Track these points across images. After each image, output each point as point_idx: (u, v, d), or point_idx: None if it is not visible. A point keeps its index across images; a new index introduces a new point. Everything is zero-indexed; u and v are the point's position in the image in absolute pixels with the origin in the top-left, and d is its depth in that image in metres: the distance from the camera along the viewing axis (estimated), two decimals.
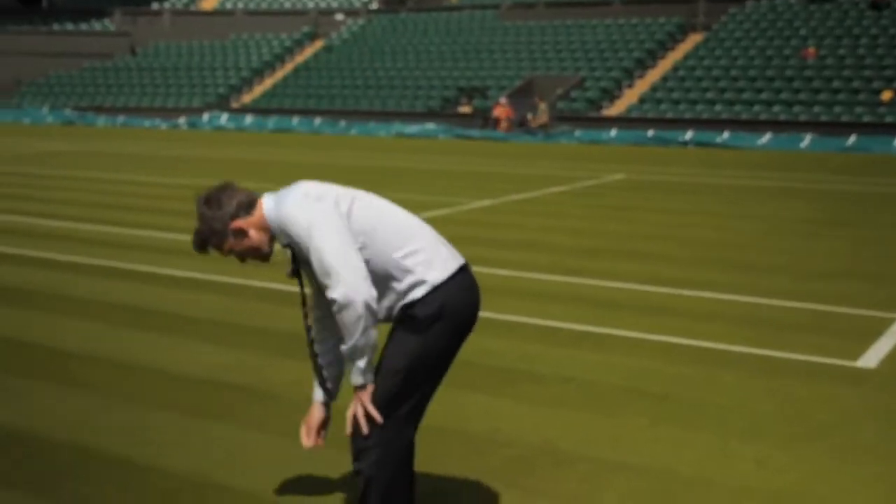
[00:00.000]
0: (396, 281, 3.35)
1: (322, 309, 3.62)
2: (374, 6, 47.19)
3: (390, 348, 3.41)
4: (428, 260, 3.38)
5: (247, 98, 40.46)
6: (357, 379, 3.33)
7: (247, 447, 4.75)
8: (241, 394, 5.52)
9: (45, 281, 8.67)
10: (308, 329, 3.60)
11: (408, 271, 3.34)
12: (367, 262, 3.28)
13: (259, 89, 41.07)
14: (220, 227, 3.37)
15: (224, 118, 36.70)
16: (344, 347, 3.27)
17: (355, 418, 3.37)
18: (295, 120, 35.12)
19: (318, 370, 3.60)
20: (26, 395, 5.54)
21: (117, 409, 5.29)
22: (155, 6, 49.32)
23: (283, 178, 17.61)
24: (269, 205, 3.39)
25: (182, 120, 37.39)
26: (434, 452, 4.67)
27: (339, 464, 4.43)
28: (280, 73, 42.14)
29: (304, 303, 3.55)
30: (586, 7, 39.85)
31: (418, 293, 3.36)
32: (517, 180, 17.89)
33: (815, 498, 4.18)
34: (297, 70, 41.07)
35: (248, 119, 36.24)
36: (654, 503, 4.12)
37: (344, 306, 3.17)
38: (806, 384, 5.80)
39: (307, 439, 3.62)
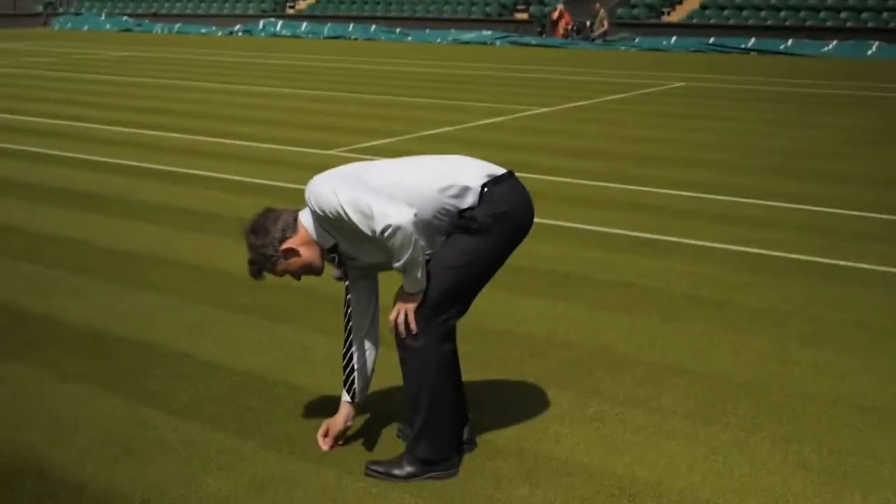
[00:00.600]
0: (443, 208, 3.39)
1: (361, 306, 3.67)
2: None
3: (444, 250, 3.45)
4: (468, 174, 3.43)
5: (302, 5, 40.16)
6: (412, 287, 3.40)
7: (311, 348, 4.87)
8: (304, 297, 5.62)
9: (115, 185, 8.83)
10: (348, 333, 3.69)
11: (451, 192, 3.38)
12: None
13: None
14: (271, 252, 3.46)
15: (279, 25, 36.51)
16: (398, 264, 3.32)
17: (397, 323, 3.46)
18: (350, 26, 34.87)
19: (349, 373, 3.71)
20: (98, 294, 5.70)
21: (185, 308, 5.44)
22: None
23: (339, 81, 17.55)
24: (306, 218, 3.47)
25: (238, 27, 37.29)
26: (491, 355, 4.75)
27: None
28: None
29: (347, 307, 3.66)
30: None
31: (470, 200, 3.39)
32: (574, 87, 17.67)
33: (876, 404, 4.19)
34: None
35: (304, 26, 36.04)
36: (710, 406, 4.16)
37: (393, 231, 3.21)
38: (873, 293, 5.76)
39: (324, 444, 3.73)
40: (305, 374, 4.51)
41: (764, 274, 6.14)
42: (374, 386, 3.88)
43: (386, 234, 3.23)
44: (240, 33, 36.79)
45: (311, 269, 3.52)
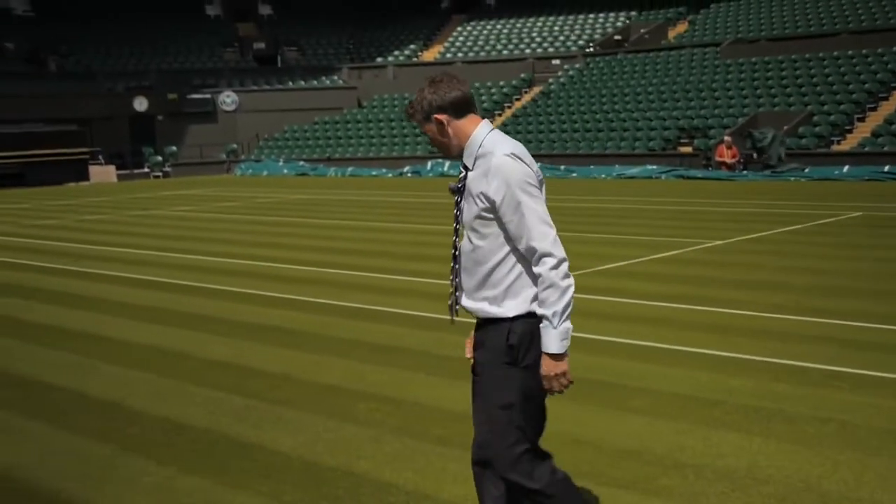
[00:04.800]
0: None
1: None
2: (591, 49, 47.50)
3: None
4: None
5: None
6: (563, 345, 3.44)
7: None
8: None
9: (307, 322, 9.31)
10: (455, 254, 3.71)
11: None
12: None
13: None
14: (426, 108, 3.56)
15: (446, 165, 37.77)
16: (552, 308, 3.40)
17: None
18: None
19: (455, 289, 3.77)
20: (304, 425, 6.01)
21: (385, 439, 5.67)
22: (379, 60, 51.56)
23: None
24: (483, 131, 3.56)
25: (407, 168, 38.78)
26: (692, 489, 4.75)
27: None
28: (499, 120, 43.01)
29: (456, 229, 3.74)
30: (812, 39, 38.59)
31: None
32: (747, 219, 17.54)
33: None
34: (515, 116, 41.81)
35: None
36: None
37: (560, 263, 3.39)
38: None
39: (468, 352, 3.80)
40: None
41: None
42: None
43: (551, 260, 3.39)
44: (409, 174, 38.21)
45: (445, 151, 3.64)
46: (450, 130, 3.56)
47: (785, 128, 32.25)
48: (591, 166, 34.21)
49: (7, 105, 39.44)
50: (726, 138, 31.15)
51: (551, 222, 3.47)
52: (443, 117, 3.55)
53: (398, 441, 5.64)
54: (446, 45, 52.31)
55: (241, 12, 55.73)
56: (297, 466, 5.26)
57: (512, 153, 3.46)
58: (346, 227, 18.63)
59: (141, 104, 45.29)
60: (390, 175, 38.34)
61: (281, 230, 18.34)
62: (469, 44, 51.87)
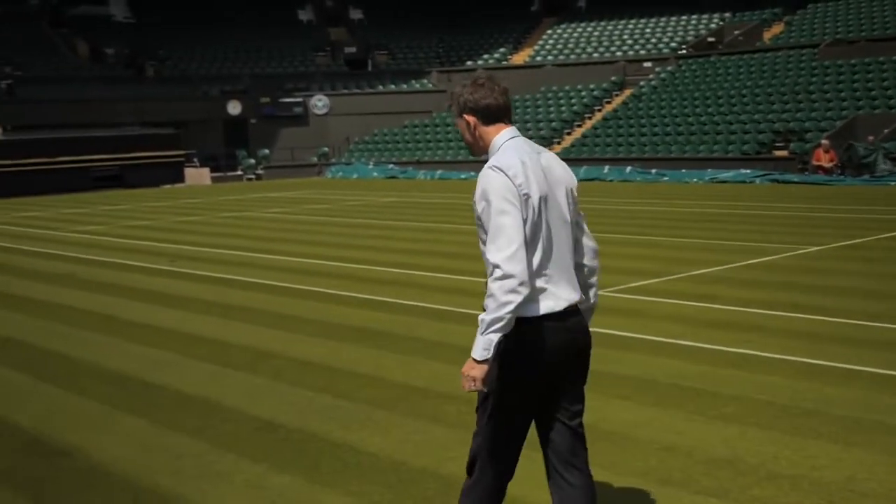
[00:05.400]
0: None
1: None
2: (684, 51, 46.84)
3: None
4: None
5: (557, 148, 41.34)
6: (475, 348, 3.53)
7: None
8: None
9: (396, 323, 9.37)
10: None
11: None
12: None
13: (569, 139, 41.81)
14: (461, 106, 3.74)
15: None
16: (485, 316, 3.50)
17: None
18: (605, 168, 35.45)
19: None
20: (393, 426, 6.05)
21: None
22: (469, 64, 51.66)
23: (597, 222, 17.80)
24: (501, 140, 3.69)
25: None
26: (787, 501, 4.64)
27: None
28: (589, 123, 42.72)
29: None
30: None
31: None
32: (844, 225, 17.09)
33: None
34: (605, 119, 41.47)
35: None
36: None
37: (506, 277, 3.41)
38: None
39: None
40: None
41: None
42: None
43: (496, 270, 3.43)
44: None
45: (470, 148, 3.78)
46: (477, 133, 3.73)
47: (885, 131, 31.36)
48: (683, 170, 33.74)
49: (107, 109, 40.62)
50: (824, 142, 30.41)
51: (515, 237, 3.44)
52: (472, 119, 3.71)
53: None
54: (536, 47, 52.17)
55: (332, 17, 56.45)
56: (385, 467, 5.29)
57: (496, 166, 3.54)
58: (434, 229, 18.70)
59: (235, 108, 46.19)
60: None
61: (369, 232, 18.50)
62: (559, 46, 51.64)
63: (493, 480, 3.75)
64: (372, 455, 5.49)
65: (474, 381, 3.50)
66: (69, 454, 5.75)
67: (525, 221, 3.48)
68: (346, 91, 50.07)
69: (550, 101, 45.79)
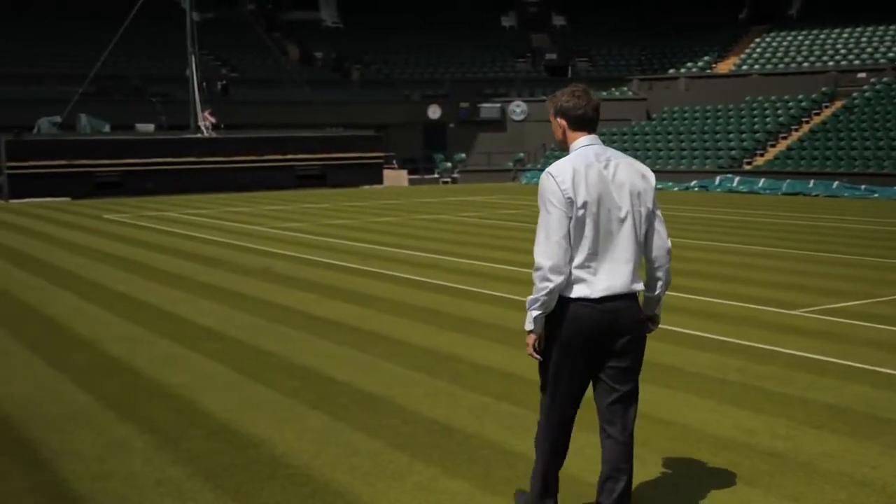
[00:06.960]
0: None
1: None
2: None
3: None
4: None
5: (760, 160, 39.91)
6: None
7: None
8: (773, 460, 5.44)
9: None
10: None
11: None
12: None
13: (773, 151, 40.27)
14: (556, 109, 4.32)
15: (736, 181, 36.48)
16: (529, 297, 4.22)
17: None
18: (811, 183, 33.94)
19: None
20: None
21: (652, 459, 5.49)
22: (671, 72, 50.65)
23: (794, 238, 17.03)
24: (578, 144, 4.25)
25: (694, 183, 37.81)
26: None
27: None
28: (796, 135, 41.02)
29: None
30: None
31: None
32: None
33: None
34: (813, 131, 39.71)
35: (761, 182, 35.66)
36: None
37: (537, 268, 4.14)
38: None
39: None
40: None
41: None
42: None
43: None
44: (695, 188, 37.27)
45: (560, 147, 4.35)
46: (565, 135, 4.32)
47: None
48: None
49: (313, 111, 42.15)
50: None
51: (552, 235, 4.09)
52: (563, 123, 4.32)
53: (657, 458, 5.45)
54: (743, 56, 50.57)
55: (535, 23, 56.58)
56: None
57: (549, 171, 4.18)
58: None
59: (434, 112, 47.02)
60: (676, 189, 37.56)
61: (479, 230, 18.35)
62: (767, 55, 49.86)
63: (550, 432, 4.43)
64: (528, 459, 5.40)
65: (528, 346, 4.26)
66: (256, 445, 5.94)
67: (570, 220, 4.09)
68: (544, 98, 50.02)
69: (755, 112, 44.24)
